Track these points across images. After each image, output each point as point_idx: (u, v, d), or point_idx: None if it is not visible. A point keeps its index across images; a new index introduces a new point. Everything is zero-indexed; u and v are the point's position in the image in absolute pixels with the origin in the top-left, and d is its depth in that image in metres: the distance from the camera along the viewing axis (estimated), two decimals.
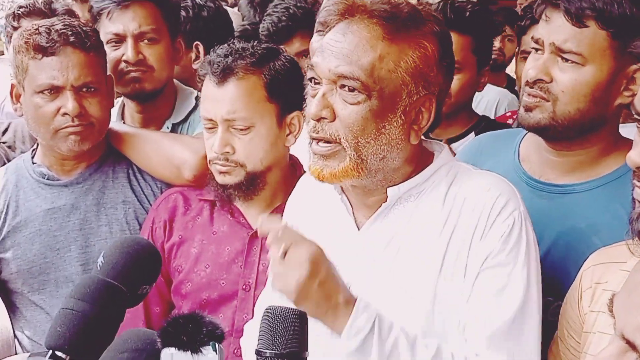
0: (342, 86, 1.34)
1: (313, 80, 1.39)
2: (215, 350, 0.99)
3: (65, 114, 1.95)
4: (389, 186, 1.42)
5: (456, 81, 2.36)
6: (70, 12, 3.03)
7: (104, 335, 1.09)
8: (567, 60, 1.55)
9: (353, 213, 1.48)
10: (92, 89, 1.99)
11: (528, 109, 1.62)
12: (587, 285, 1.43)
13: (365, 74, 1.32)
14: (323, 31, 1.43)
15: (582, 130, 1.60)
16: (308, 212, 1.57)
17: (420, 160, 1.45)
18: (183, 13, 2.69)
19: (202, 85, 1.87)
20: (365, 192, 1.44)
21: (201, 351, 0.99)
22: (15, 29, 3.08)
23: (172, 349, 0.99)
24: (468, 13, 2.38)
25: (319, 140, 1.38)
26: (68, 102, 1.94)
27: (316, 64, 1.37)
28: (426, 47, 1.35)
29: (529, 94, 1.61)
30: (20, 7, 3.08)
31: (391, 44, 1.33)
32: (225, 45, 1.87)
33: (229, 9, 3.62)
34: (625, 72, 1.55)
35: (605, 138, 1.63)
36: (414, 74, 1.34)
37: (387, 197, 1.42)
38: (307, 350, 1.06)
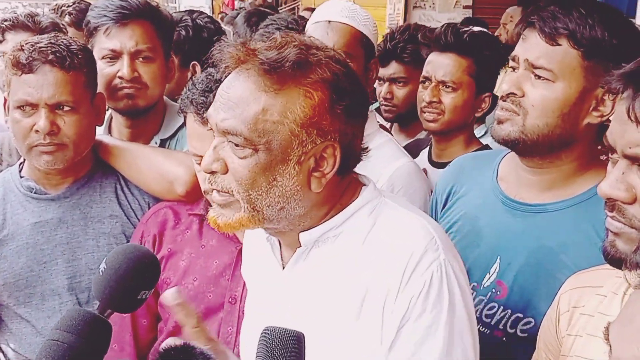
0: (230, 140, 1.31)
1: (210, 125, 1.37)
2: None
3: (37, 131, 1.97)
4: (301, 230, 1.38)
5: (450, 100, 2.48)
6: (55, 25, 3.06)
7: None
8: (539, 76, 1.61)
9: (281, 251, 1.47)
10: (69, 108, 1.99)
11: (500, 122, 1.68)
12: (564, 309, 1.45)
13: (248, 129, 1.28)
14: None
15: (552, 146, 1.64)
16: (251, 246, 1.59)
17: (340, 199, 1.40)
18: (183, 32, 2.73)
19: (185, 119, 1.88)
20: (279, 233, 1.42)
21: None
22: (0, 42, 3.11)
23: None
24: (466, 36, 2.47)
25: (214, 190, 1.36)
26: (41, 120, 1.96)
27: (209, 115, 1.35)
28: (313, 96, 1.28)
29: (501, 108, 1.68)
30: (4, 20, 3.10)
31: (276, 95, 1.28)
32: (203, 77, 1.86)
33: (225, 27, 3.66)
34: (594, 92, 1.61)
35: (578, 157, 1.67)
36: (304, 124, 1.28)
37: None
38: None
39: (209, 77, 1.84)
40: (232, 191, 1.33)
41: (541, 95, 1.61)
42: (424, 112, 2.55)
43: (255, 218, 1.34)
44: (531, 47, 1.62)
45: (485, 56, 2.51)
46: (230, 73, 1.34)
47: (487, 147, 2.65)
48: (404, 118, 3.08)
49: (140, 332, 1.97)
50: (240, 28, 3.68)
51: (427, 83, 2.54)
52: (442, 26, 2.55)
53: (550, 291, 1.60)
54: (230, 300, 1.88)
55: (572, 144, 1.65)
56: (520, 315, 1.67)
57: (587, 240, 1.59)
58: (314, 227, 1.39)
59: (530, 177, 1.71)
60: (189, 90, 1.86)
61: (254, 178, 1.31)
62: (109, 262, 1.27)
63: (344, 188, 1.41)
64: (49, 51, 1.97)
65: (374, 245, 1.37)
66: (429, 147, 2.69)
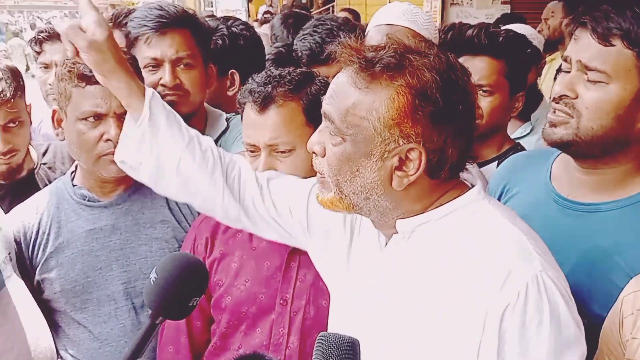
0: (328, 127, 1.43)
1: None
2: None
3: (108, 139, 2.02)
4: (403, 218, 1.45)
5: (487, 104, 2.45)
6: None
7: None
8: (592, 78, 1.58)
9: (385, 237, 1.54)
10: None
11: (552, 125, 1.65)
12: (628, 312, 1.43)
13: (339, 119, 1.39)
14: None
15: (606, 149, 1.62)
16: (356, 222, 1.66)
17: (441, 198, 1.44)
18: (219, 41, 2.76)
19: (242, 112, 1.94)
20: (382, 224, 1.49)
21: None
22: (38, 53, 3.18)
23: None
24: (502, 38, 2.44)
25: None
26: (111, 129, 2.01)
27: (323, 99, 1.47)
28: (397, 99, 1.34)
29: (554, 110, 1.65)
30: (40, 32, 3.18)
31: (365, 93, 1.36)
32: (263, 72, 1.95)
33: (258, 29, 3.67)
34: None
35: (633, 158, 1.64)
36: (386, 124, 1.35)
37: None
38: None
39: (268, 72, 1.94)
40: (324, 174, 1.45)
41: (595, 97, 1.58)
42: None
43: (343, 201, 1.44)
44: (584, 48, 1.59)
45: (517, 56, 2.49)
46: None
47: (519, 145, 2.64)
48: None
49: (195, 334, 2.01)
50: (278, 30, 3.71)
51: None
52: (473, 28, 2.51)
53: (603, 292, 1.59)
54: (281, 302, 1.91)
55: (628, 145, 1.63)
56: None
57: None
58: (412, 217, 1.45)
59: (584, 177, 1.69)
60: (248, 83, 1.95)
61: (340, 165, 1.41)
62: (159, 271, 1.32)
63: (445, 190, 1.45)
64: None
65: (469, 247, 1.39)
66: None
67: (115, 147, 2.01)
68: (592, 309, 1.62)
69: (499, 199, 1.90)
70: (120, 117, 2.03)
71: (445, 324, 1.37)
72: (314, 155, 1.48)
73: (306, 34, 2.66)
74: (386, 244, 1.52)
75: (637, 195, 1.63)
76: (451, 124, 1.38)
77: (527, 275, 1.32)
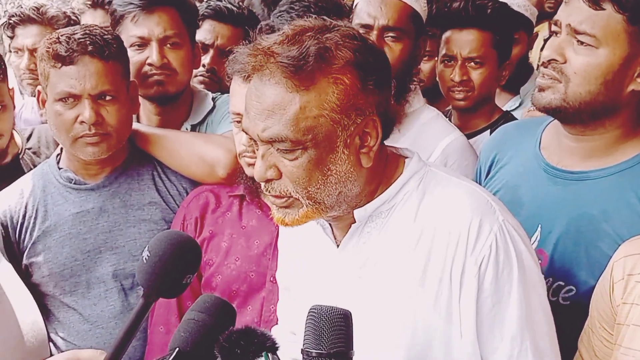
0: (276, 146, 1.33)
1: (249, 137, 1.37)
2: (268, 359, 1.07)
3: (82, 122, 2.00)
4: (358, 207, 1.41)
5: (478, 75, 2.52)
6: (63, 13, 3.07)
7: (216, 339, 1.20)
8: (581, 42, 1.56)
9: (332, 232, 1.49)
10: (110, 97, 2.04)
11: (541, 89, 1.64)
12: (619, 277, 1.43)
13: (292, 131, 1.29)
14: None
15: (594, 114, 1.61)
16: (293, 231, 1.57)
17: (385, 173, 1.43)
18: None
19: (230, 84, 1.92)
20: (337, 218, 1.44)
21: None
22: (11, 38, 3.14)
23: None
24: (489, 10, 2.49)
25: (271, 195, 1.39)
26: (85, 111, 1.99)
27: (246, 128, 1.36)
28: (343, 80, 1.30)
29: (542, 75, 1.64)
30: (11, 16, 3.13)
31: (308, 91, 1.29)
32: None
33: None
34: (639, 59, 1.56)
35: (622, 124, 1.64)
36: (342, 109, 1.30)
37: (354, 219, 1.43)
38: (352, 350, 1.11)
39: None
40: (290, 193, 1.35)
41: (584, 61, 1.57)
42: (453, 91, 2.57)
43: (318, 209, 1.37)
44: (574, 11, 1.58)
45: (503, 26, 2.54)
46: (250, 80, 1.34)
47: (508, 114, 2.69)
48: (431, 92, 3.07)
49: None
50: (258, 9, 3.66)
51: (452, 62, 2.56)
52: (459, 1, 2.54)
53: (591, 259, 1.61)
54: (271, 279, 1.91)
55: (616, 111, 1.62)
56: (561, 283, 1.67)
57: (629, 208, 1.58)
58: (367, 204, 1.41)
59: (573, 144, 1.69)
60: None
61: (310, 174, 1.33)
62: (152, 250, 1.31)
63: (384, 161, 1.43)
64: (87, 42, 1.99)
65: (429, 216, 1.40)
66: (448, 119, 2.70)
67: (89, 129, 2.00)
68: (580, 276, 1.64)
69: (489, 169, 1.91)
70: (95, 99, 2.01)
71: (422, 294, 1.38)
72: (265, 183, 1.37)
73: (283, 11, 2.65)
74: (338, 246, 1.48)
75: (624, 163, 1.63)
76: (389, 81, 1.39)
77: (494, 226, 1.36)
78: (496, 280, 1.36)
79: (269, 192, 1.37)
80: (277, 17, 2.64)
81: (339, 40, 1.31)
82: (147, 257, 1.29)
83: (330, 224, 1.48)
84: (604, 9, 1.54)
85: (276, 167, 1.34)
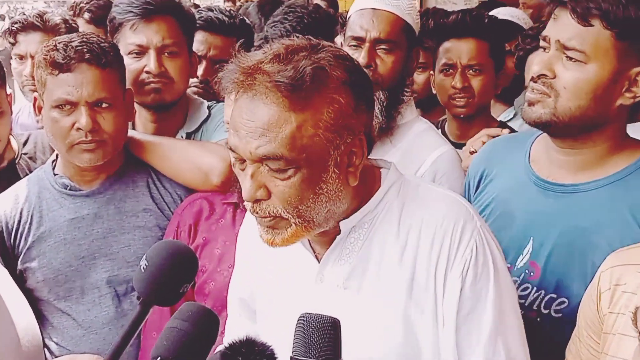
0: (268, 165, 1.31)
1: (237, 158, 1.36)
2: None
3: (79, 129, 2.02)
4: (342, 219, 1.42)
5: (478, 82, 2.59)
6: (65, 22, 3.10)
7: (199, 350, 1.21)
8: (570, 57, 1.58)
9: (310, 246, 1.49)
10: (107, 105, 2.05)
11: (531, 104, 1.66)
12: (605, 287, 1.46)
13: (288, 149, 1.28)
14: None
15: (584, 128, 1.63)
16: (262, 244, 1.51)
17: (367, 184, 1.44)
18: None
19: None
20: (322, 233, 1.44)
21: None
22: (13, 45, 3.16)
23: None
24: (486, 20, 2.59)
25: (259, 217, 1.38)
26: (82, 118, 2.01)
27: (235, 146, 1.33)
28: (339, 100, 1.31)
29: (532, 89, 1.66)
30: (14, 23, 3.14)
31: (304, 111, 1.29)
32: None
33: None
34: (627, 73, 1.59)
35: (610, 137, 1.66)
36: (336, 129, 1.31)
37: (339, 229, 1.43)
38: (341, 357, 1.12)
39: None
40: (279, 214, 1.34)
41: (573, 77, 1.59)
42: (454, 99, 2.61)
43: (307, 227, 1.37)
44: (563, 27, 1.60)
45: (498, 36, 2.63)
46: (237, 99, 1.33)
47: (505, 124, 2.72)
48: (425, 103, 3.10)
49: None
50: (254, 18, 3.69)
51: (451, 70, 2.60)
52: (457, 13, 2.63)
53: (583, 271, 1.62)
54: None
55: (604, 125, 1.64)
56: (553, 295, 1.69)
57: (621, 220, 1.60)
58: (352, 215, 1.43)
59: (562, 157, 1.71)
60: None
61: (302, 194, 1.33)
62: (150, 259, 1.32)
63: (363, 175, 1.42)
64: (85, 49, 2.01)
65: (411, 224, 1.42)
66: (441, 129, 2.73)
67: (86, 136, 2.02)
68: (572, 289, 1.65)
69: (478, 184, 1.92)
70: (91, 106, 2.03)
71: (413, 297, 1.40)
72: (253, 204, 1.35)
73: (277, 22, 2.68)
74: (317, 258, 1.48)
75: (615, 175, 1.65)
76: (372, 103, 1.41)
77: (474, 231, 1.40)
78: (475, 284, 1.39)
79: (257, 213, 1.36)
80: (271, 27, 2.67)
81: (332, 61, 1.32)
82: (145, 267, 1.31)
83: (308, 239, 1.48)
84: (592, 25, 1.56)
85: (265, 187, 1.33)
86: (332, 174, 1.34)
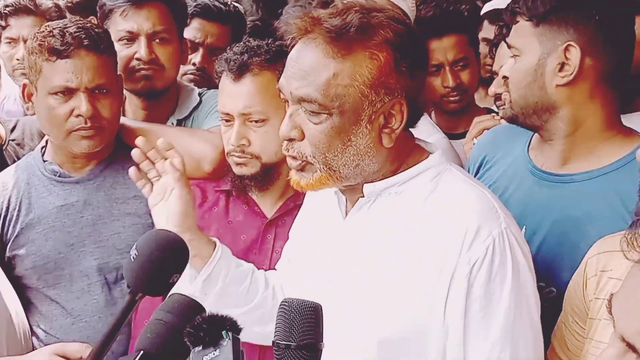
0: (304, 107, 1.38)
1: (284, 100, 1.44)
2: (228, 337, 1.10)
3: (78, 115, 2.00)
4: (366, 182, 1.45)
5: (467, 75, 2.65)
6: (57, 7, 3.07)
7: (184, 343, 1.18)
8: (514, 55, 1.71)
9: (346, 205, 1.53)
10: (105, 91, 2.04)
11: (502, 104, 1.80)
12: (592, 273, 1.48)
13: (322, 94, 1.35)
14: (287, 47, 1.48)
15: (537, 115, 1.68)
16: (314, 202, 1.66)
17: (407, 160, 1.47)
18: None
19: (219, 82, 1.94)
20: (352, 189, 1.48)
21: (220, 343, 1.10)
22: (3, 28, 3.12)
23: (199, 347, 1.11)
24: (466, 13, 2.65)
25: (289, 156, 1.44)
26: (82, 104, 1.99)
27: (281, 86, 1.42)
28: (378, 57, 1.35)
29: (502, 90, 1.80)
30: (6, 6, 3.11)
31: (344, 60, 1.35)
32: (241, 42, 1.95)
33: None
34: (554, 55, 1.64)
35: (579, 125, 1.67)
36: (372, 85, 1.35)
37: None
38: (322, 342, 1.12)
39: (246, 43, 1.94)
40: (307, 156, 1.41)
41: (513, 70, 1.71)
42: (448, 97, 2.65)
43: (333, 177, 1.42)
44: (510, 32, 1.73)
45: (473, 25, 2.72)
46: (296, 44, 1.40)
47: (491, 111, 2.75)
48: None
49: None
50: (246, 5, 3.67)
51: (440, 70, 2.63)
52: (432, 10, 2.63)
53: (574, 261, 1.61)
54: None
55: (556, 109, 1.68)
56: (542, 284, 1.67)
57: (612, 211, 1.61)
58: (378, 181, 1.45)
59: (549, 149, 1.74)
60: (225, 52, 1.94)
61: (330, 141, 1.38)
62: (140, 248, 1.30)
63: (410, 149, 1.47)
64: (82, 35, 1.99)
65: (433, 209, 1.43)
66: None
67: (85, 122, 2.01)
68: (562, 278, 1.65)
69: (478, 170, 1.93)
70: (91, 92, 2.01)
71: (413, 281, 1.41)
72: (287, 142, 1.42)
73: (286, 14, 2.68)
74: (346, 215, 1.52)
75: (609, 166, 1.66)
76: (423, 70, 1.45)
77: (494, 231, 1.39)
78: (487, 284, 1.38)
79: (287, 151, 1.43)
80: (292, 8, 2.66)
81: (384, 20, 1.37)
82: (134, 256, 1.29)
83: (346, 198, 1.52)
84: (517, 21, 1.69)
85: (300, 129, 1.40)
86: (363, 129, 1.38)
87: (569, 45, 1.62)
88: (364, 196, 1.46)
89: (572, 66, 1.62)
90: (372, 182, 1.45)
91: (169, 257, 1.31)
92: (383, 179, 1.45)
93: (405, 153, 1.46)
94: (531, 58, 1.66)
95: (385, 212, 1.46)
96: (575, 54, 1.62)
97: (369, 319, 1.44)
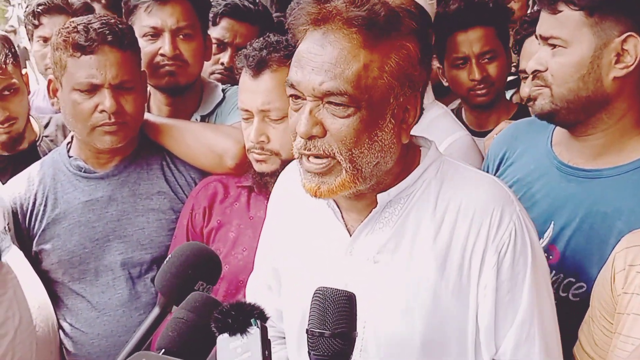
0: (330, 102, 1.30)
1: (293, 96, 1.35)
2: (257, 325, 1.09)
3: (102, 110, 2.02)
4: (379, 190, 1.41)
5: (494, 68, 2.59)
6: (87, 5, 3.10)
7: (204, 341, 1.19)
8: (553, 46, 1.64)
9: (342, 217, 1.47)
10: (129, 87, 2.05)
11: (533, 98, 1.71)
12: (620, 267, 1.47)
13: (352, 87, 1.28)
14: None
15: (586, 110, 1.65)
16: (292, 212, 1.56)
17: (407, 158, 1.43)
18: None
19: (239, 78, 1.94)
20: (357, 196, 1.42)
21: (248, 331, 1.08)
22: (36, 27, 3.16)
23: (225, 334, 1.09)
24: (491, 5, 2.59)
25: (310, 156, 1.34)
26: (106, 100, 2.01)
27: (297, 82, 1.32)
28: (408, 48, 1.32)
29: (532, 86, 1.71)
30: (39, 4, 3.15)
31: (373, 51, 1.29)
32: (261, 38, 1.94)
33: None
34: (611, 46, 1.59)
35: (621, 117, 1.66)
36: (399, 76, 1.32)
37: (377, 202, 1.42)
38: (356, 331, 1.11)
39: (265, 38, 1.92)
40: (333, 153, 1.33)
41: (558, 63, 1.63)
42: (475, 90, 2.60)
43: (355, 178, 1.35)
44: (542, 22, 1.67)
45: (502, 18, 2.65)
46: (305, 36, 1.33)
47: (525, 107, 2.69)
48: (437, 88, 3.08)
49: None
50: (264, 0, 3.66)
51: (467, 63, 2.59)
52: (457, 3, 2.60)
53: (603, 257, 1.61)
54: None
55: (608, 103, 1.65)
56: (572, 279, 1.68)
57: None
58: (390, 188, 1.42)
59: (579, 143, 1.71)
60: (245, 48, 1.93)
61: (358, 136, 1.32)
62: (173, 254, 1.33)
63: (409, 146, 1.43)
64: (106, 31, 2.00)
65: (448, 204, 1.42)
66: (458, 119, 2.71)
67: (109, 118, 2.02)
68: (591, 273, 1.64)
69: (498, 166, 1.92)
70: (115, 88, 2.02)
71: (445, 276, 1.40)
72: (307, 140, 1.33)
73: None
74: (349, 231, 1.46)
75: (638, 161, 1.64)
76: (430, 67, 1.41)
77: (513, 216, 1.40)
78: (512, 268, 1.39)
79: (310, 150, 1.33)
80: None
81: (405, 11, 1.35)
82: (167, 259, 1.32)
83: (340, 209, 1.47)
84: (560, 11, 1.61)
85: (322, 125, 1.32)
86: (388, 123, 1.33)
87: (630, 36, 1.57)
88: (375, 206, 1.41)
89: (633, 57, 1.58)
90: (380, 187, 1.40)
91: (194, 262, 1.32)
92: (392, 186, 1.41)
93: (404, 153, 1.42)
94: (583, 50, 1.59)
95: (399, 218, 1.43)
96: (636, 45, 1.57)
97: (399, 326, 1.42)
